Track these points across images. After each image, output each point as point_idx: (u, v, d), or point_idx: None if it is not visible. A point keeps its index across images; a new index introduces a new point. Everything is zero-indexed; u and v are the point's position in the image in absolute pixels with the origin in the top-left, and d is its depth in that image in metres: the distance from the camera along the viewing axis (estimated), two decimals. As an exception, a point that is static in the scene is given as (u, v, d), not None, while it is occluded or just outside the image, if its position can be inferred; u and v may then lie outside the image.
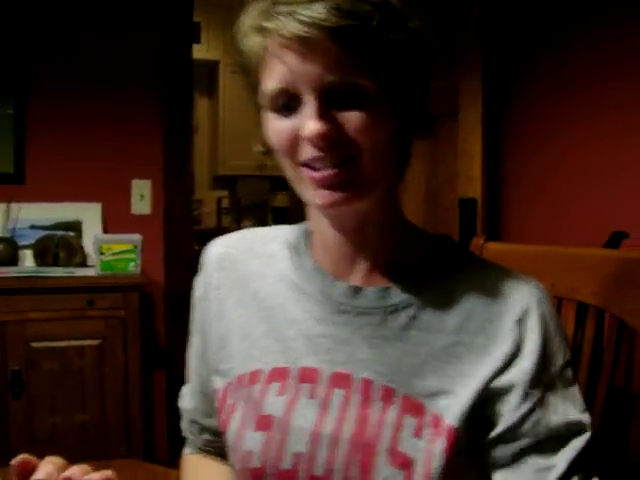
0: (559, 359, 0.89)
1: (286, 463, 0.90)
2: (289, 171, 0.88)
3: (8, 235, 3.02)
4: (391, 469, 0.85)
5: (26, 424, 2.75)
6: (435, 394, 0.87)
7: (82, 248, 3.04)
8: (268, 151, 0.90)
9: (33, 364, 2.75)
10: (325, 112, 0.82)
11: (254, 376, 0.96)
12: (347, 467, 0.87)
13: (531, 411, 0.86)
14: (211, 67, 6.19)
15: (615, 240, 2.17)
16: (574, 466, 0.84)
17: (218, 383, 1.02)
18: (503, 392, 0.86)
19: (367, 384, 0.90)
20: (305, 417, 0.91)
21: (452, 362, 0.89)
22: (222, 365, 1.02)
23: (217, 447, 1.11)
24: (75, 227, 3.13)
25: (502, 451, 0.86)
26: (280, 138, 0.86)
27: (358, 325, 0.92)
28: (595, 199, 2.68)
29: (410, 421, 0.86)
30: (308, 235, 1.02)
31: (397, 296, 0.92)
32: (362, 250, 0.94)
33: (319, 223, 0.96)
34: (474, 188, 3.06)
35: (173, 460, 2.27)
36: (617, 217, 2.51)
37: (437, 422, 0.86)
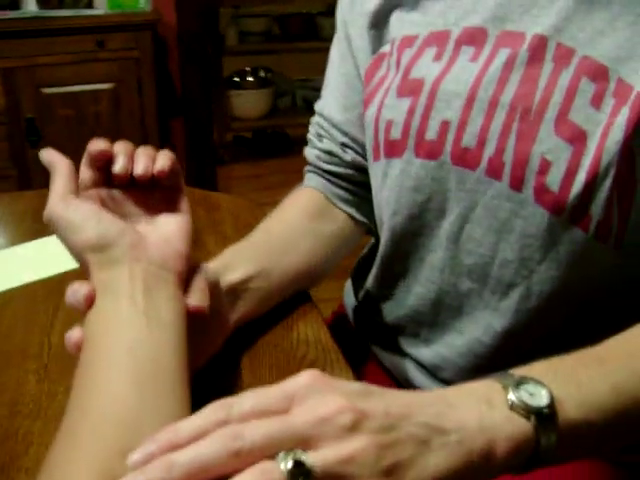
0: None
1: (431, 132, 0.79)
2: None
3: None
4: (557, 140, 0.71)
5: (46, 173, 2.71)
6: (624, 56, 0.69)
7: (88, -13, 2.84)
8: None
9: (47, 111, 2.67)
10: None
11: (406, 41, 0.84)
12: (503, 136, 0.74)
13: None
14: None
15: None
16: None
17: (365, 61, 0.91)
18: None
19: (540, 41, 0.73)
20: (460, 80, 0.77)
21: None
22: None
23: (329, 165, 0.97)
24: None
25: None
26: None
27: None
28: None
29: (588, 87, 0.70)
30: None
31: None
32: None
33: None
34: None
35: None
36: None
37: (623, 90, 0.69)
